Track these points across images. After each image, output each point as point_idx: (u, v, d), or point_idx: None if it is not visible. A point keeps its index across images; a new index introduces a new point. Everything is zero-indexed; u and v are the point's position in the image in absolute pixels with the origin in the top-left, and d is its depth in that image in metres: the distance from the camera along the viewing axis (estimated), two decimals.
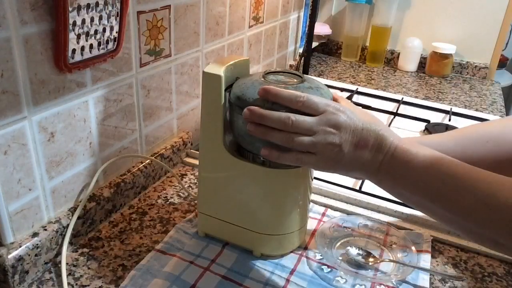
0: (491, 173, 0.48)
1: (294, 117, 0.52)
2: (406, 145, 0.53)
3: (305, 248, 0.69)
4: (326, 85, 0.62)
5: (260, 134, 0.54)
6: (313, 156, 0.53)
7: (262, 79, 0.59)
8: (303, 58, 1.50)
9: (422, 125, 1.15)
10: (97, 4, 0.60)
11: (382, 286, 0.63)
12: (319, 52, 1.86)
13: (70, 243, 0.66)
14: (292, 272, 0.64)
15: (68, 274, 0.61)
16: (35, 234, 0.60)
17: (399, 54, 1.70)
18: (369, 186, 0.85)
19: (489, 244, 0.49)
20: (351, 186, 0.84)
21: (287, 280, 0.62)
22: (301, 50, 1.53)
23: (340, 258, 0.67)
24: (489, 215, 0.46)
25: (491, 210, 0.46)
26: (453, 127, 1.13)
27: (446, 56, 1.60)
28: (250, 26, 1.12)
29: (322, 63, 1.73)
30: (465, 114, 1.24)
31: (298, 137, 0.52)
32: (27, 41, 0.53)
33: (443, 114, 1.25)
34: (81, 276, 0.61)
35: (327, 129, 0.52)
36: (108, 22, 0.63)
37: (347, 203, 0.80)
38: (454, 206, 0.49)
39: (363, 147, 0.53)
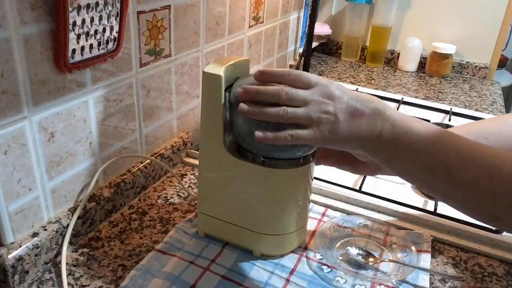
0: (494, 148, 0.48)
1: (287, 88, 0.53)
2: (407, 116, 0.52)
3: (305, 248, 0.69)
4: None
5: (253, 114, 0.54)
6: (309, 129, 0.52)
7: None
8: (303, 58, 1.50)
9: None
10: (97, 4, 0.60)
11: (382, 286, 0.63)
12: (319, 52, 1.86)
13: (70, 243, 0.66)
14: (292, 272, 0.64)
15: (68, 274, 0.61)
16: (35, 234, 0.60)
17: (399, 54, 1.70)
18: (369, 186, 0.85)
19: (487, 218, 0.49)
20: (351, 186, 0.84)
21: (287, 280, 0.62)
22: (301, 50, 1.53)
23: (340, 258, 0.67)
24: (492, 186, 0.46)
25: (494, 181, 0.45)
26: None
27: (446, 56, 1.60)
28: (250, 26, 1.12)
29: (322, 63, 1.73)
30: (465, 114, 1.24)
31: (292, 108, 0.52)
32: (27, 41, 0.53)
33: (443, 114, 1.25)
34: (81, 276, 0.61)
35: (320, 99, 0.52)
36: (108, 22, 0.63)
37: (347, 203, 0.80)
38: (455, 178, 0.48)
39: (359, 116, 0.52)
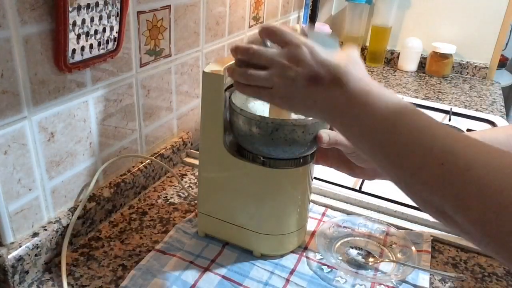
0: (463, 134, 0.43)
1: (256, 46, 0.52)
2: (370, 87, 0.48)
3: (305, 248, 0.69)
4: None
5: (229, 71, 0.55)
6: (269, 90, 0.52)
7: None
8: None
9: None
10: (97, 4, 0.60)
11: (382, 286, 0.63)
12: None
13: (70, 243, 0.65)
14: (292, 272, 0.64)
15: (68, 274, 0.61)
16: (35, 234, 0.60)
17: (399, 54, 1.70)
18: (369, 186, 0.85)
19: (434, 212, 0.43)
20: (351, 186, 0.84)
21: (287, 280, 0.62)
22: None
23: (340, 258, 0.67)
24: (441, 175, 0.40)
25: (446, 170, 0.40)
26: (453, 127, 1.13)
27: (446, 56, 1.60)
28: (250, 26, 1.12)
29: None
30: (465, 114, 1.24)
31: (255, 71, 0.52)
32: (27, 41, 0.53)
33: (443, 114, 1.25)
34: (81, 276, 0.61)
35: (285, 63, 0.51)
36: (108, 22, 0.63)
37: (347, 203, 0.80)
38: (404, 160, 0.43)
39: (318, 83, 0.49)
